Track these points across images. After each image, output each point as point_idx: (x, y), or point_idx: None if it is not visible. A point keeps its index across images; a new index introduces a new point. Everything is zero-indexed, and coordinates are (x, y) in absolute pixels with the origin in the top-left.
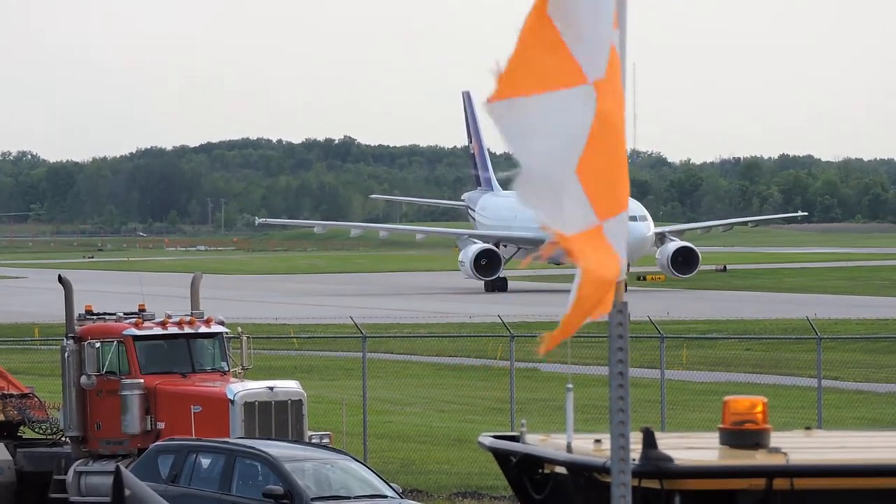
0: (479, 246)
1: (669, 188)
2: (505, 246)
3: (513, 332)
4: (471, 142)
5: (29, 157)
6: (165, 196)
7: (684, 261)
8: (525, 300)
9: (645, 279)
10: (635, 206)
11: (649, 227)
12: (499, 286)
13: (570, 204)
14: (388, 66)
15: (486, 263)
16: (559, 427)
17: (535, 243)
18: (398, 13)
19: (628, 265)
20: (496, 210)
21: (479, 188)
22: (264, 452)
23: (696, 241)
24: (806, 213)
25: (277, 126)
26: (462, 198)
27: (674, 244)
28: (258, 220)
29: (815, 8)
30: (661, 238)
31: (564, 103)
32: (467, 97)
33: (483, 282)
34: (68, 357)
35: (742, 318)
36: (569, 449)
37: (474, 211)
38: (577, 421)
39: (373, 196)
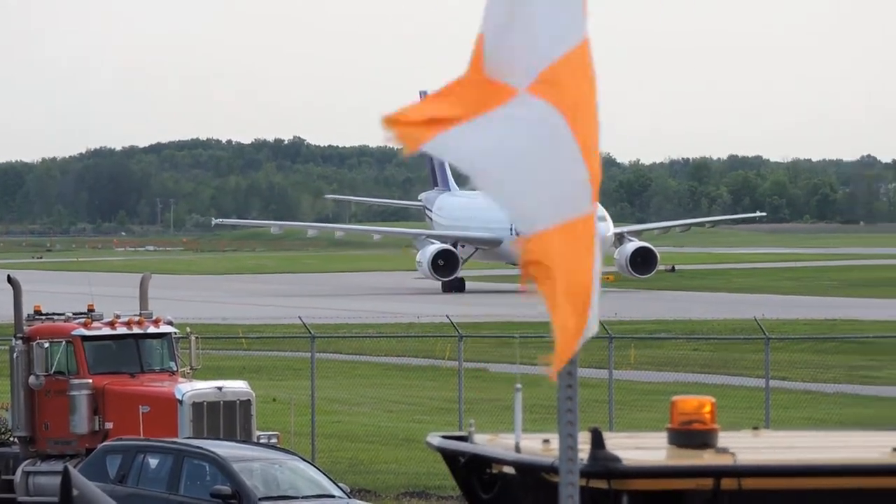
0: (437, 246)
1: (618, 189)
2: (462, 246)
3: (461, 333)
4: None
5: None
6: (114, 196)
7: (643, 261)
8: (481, 301)
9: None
10: None
11: (609, 228)
12: (456, 287)
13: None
14: (338, 66)
15: (444, 264)
16: (507, 427)
17: (493, 243)
18: (345, 13)
19: None
20: (453, 210)
21: (436, 188)
22: (212, 452)
23: (651, 241)
24: (764, 214)
25: (227, 126)
26: (419, 198)
27: (632, 244)
28: (214, 221)
29: (766, 9)
30: (619, 238)
31: (505, 119)
32: (424, 96)
33: (440, 282)
34: (17, 357)
35: (690, 319)
36: (517, 449)
37: (431, 211)
38: (526, 421)
39: (328, 196)
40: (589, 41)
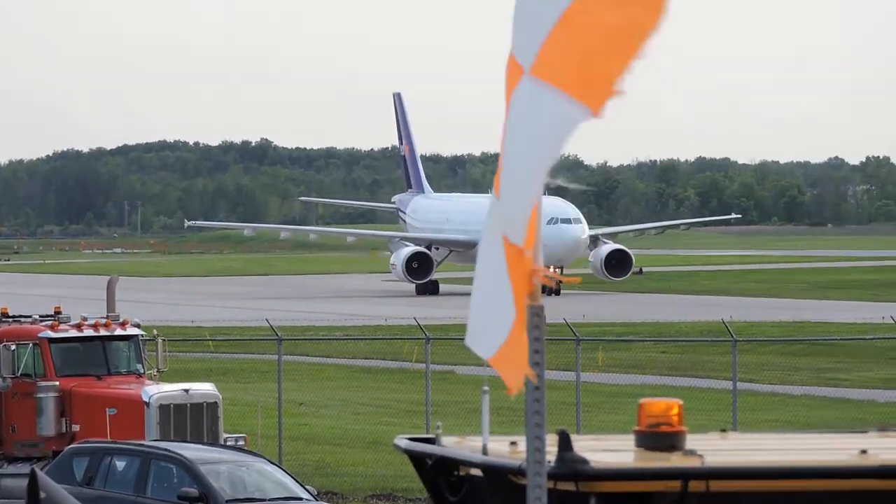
0: (412, 249)
1: (586, 191)
2: (437, 248)
3: (428, 335)
4: (401, 143)
5: None
6: (82, 198)
7: (617, 263)
8: (452, 303)
9: (560, 282)
10: (570, 209)
11: (584, 230)
12: (430, 289)
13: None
14: (303, 67)
15: (419, 266)
16: (475, 429)
17: (468, 246)
18: (311, 15)
19: (561, 268)
20: (427, 212)
21: (409, 190)
22: (179, 455)
23: (622, 243)
24: (739, 216)
25: (194, 128)
26: (392, 200)
27: (607, 247)
28: (187, 223)
29: (732, 10)
30: (594, 241)
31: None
32: (398, 98)
33: (415, 285)
34: None
35: (657, 321)
36: (484, 451)
37: (405, 213)
38: (493, 423)
39: (301, 198)
40: None
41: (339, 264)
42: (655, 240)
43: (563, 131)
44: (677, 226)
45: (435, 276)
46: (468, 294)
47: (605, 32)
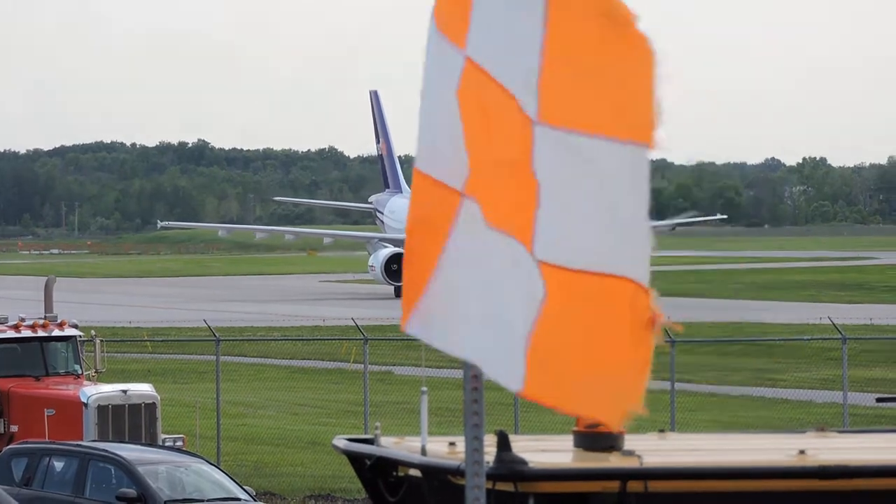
0: (391, 250)
1: None
2: None
3: (366, 336)
4: (378, 142)
5: None
6: (19, 199)
7: None
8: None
9: None
10: None
11: None
12: None
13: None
14: (240, 68)
15: (398, 268)
16: (413, 430)
17: None
18: (243, 18)
19: None
20: (406, 213)
21: (387, 190)
22: (118, 455)
23: None
24: (725, 217)
25: (131, 129)
26: (369, 200)
27: None
28: (160, 224)
29: (668, 7)
30: None
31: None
32: (375, 96)
33: (393, 287)
34: None
35: None
36: (423, 452)
37: (382, 214)
38: (431, 424)
39: (277, 198)
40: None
41: (278, 265)
42: None
43: (639, 176)
44: (662, 226)
45: None
46: None
47: (603, 68)
